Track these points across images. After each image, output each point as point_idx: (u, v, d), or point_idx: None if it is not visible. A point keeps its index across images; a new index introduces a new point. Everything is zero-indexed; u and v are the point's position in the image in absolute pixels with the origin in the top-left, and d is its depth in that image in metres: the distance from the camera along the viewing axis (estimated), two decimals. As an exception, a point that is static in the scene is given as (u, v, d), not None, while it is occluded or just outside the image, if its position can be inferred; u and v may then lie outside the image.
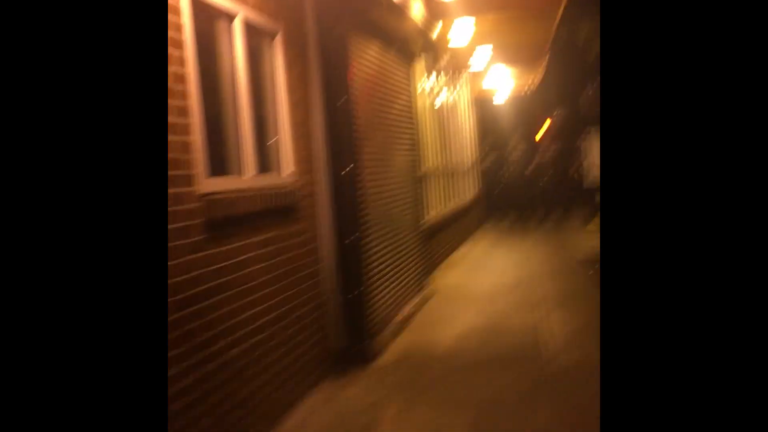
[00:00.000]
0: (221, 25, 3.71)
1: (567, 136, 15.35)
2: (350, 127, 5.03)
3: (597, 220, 13.59)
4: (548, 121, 17.86)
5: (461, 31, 8.27)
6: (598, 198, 13.92)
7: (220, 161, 3.64)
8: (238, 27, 3.79)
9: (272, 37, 4.30)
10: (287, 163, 4.40)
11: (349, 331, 5.00)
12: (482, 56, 10.45)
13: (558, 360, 4.94)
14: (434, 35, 7.83)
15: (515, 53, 11.37)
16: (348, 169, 5.01)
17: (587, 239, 12.14)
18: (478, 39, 9.36)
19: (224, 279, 3.43)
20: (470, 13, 7.99)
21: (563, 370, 4.70)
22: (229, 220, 3.50)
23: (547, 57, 12.89)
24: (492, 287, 7.81)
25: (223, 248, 3.45)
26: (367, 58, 5.69)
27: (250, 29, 3.97)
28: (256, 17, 4.00)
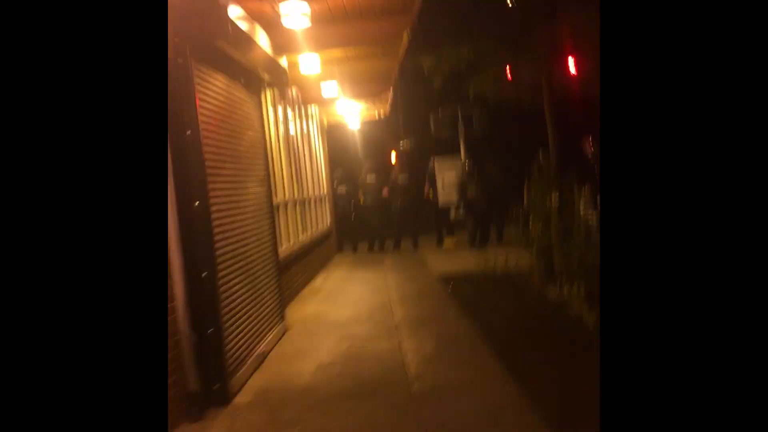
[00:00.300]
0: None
1: (417, 161, 15.85)
2: (199, 160, 4.87)
3: (452, 238, 14.14)
4: (401, 145, 18.37)
5: (308, 65, 8.37)
6: (452, 215, 14.53)
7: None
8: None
9: (110, 67, 4.09)
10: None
11: (205, 372, 4.78)
12: (329, 89, 10.60)
13: (419, 383, 5.01)
14: (282, 68, 7.83)
15: (363, 85, 11.63)
16: (198, 202, 4.84)
17: (444, 257, 12.57)
18: (325, 72, 9.50)
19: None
20: (315, 48, 8.11)
21: (425, 394, 4.78)
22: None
23: (394, 87, 13.30)
24: (350, 315, 7.83)
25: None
26: (214, 90, 5.56)
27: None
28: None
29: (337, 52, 8.91)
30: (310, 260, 10.95)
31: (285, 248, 8.78)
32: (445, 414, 4.35)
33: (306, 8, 6.15)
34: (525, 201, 8.58)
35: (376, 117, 16.85)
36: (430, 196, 14.77)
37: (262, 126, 7.28)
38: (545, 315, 6.89)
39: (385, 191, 14.77)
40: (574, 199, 7.34)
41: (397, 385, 5.03)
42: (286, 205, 9.43)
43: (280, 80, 7.58)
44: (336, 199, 15.02)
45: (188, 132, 4.80)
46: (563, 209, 7.53)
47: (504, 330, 6.44)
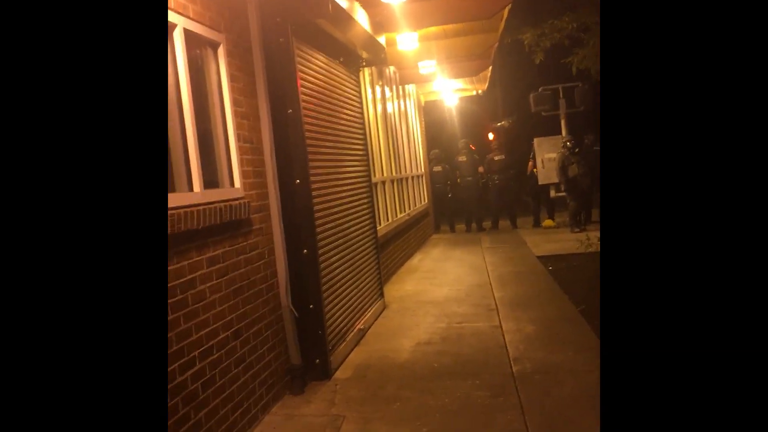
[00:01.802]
0: (161, 36, 3.59)
1: (515, 139, 15.56)
2: (300, 138, 4.94)
3: (551, 219, 13.83)
4: (499, 124, 18.08)
5: (406, 42, 8.33)
6: (552, 193, 14.20)
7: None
8: (178, 37, 3.67)
9: (215, 47, 4.19)
10: (236, 177, 4.28)
11: (306, 347, 4.89)
12: (427, 67, 10.53)
13: (519, 364, 4.93)
14: (380, 45, 7.82)
15: (460, 62, 11.47)
16: (299, 180, 4.92)
17: (544, 237, 12.31)
18: (423, 50, 9.42)
19: (174, 299, 3.30)
20: (413, 26, 8.05)
21: (526, 375, 4.69)
22: (178, 237, 3.37)
23: (492, 65, 13.04)
24: (448, 294, 7.79)
25: (172, 267, 3.32)
26: (315, 68, 5.62)
27: (191, 39, 3.85)
28: (197, 27, 3.89)
29: (435, 29, 8.81)
30: (407, 239, 10.98)
31: (383, 226, 8.82)
32: (545, 396, 4.25)
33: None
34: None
35: (474, 94, 16.63)
36: (534, 172, 14.46)
37: (361, 104, 7.31)
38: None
39: (480, 170, 14.60)
40: None
41: (497, 366, 4.96)
42: (384, 183, 9.46)
43: (379, 58, 7.57)
44: (433, 178, 14.97)
45: (290, 110, 4.87)
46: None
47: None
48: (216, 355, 3.70)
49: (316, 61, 5.70)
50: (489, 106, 19.74)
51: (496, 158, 14.65)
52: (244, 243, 4.24)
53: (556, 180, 13.53)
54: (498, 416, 4.03)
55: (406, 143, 11.88)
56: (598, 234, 9.85)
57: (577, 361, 4.85)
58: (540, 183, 14.35)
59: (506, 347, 5.39)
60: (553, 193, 14.30)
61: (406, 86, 12.43)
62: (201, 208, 3.60)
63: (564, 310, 6.47)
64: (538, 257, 9.96)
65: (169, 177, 3.57)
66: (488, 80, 14.82)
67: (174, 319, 3.28)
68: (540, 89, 15.01)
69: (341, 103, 6.43)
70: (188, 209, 3.46)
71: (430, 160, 15.06)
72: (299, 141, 4.93)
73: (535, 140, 14.70)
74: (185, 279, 3.44)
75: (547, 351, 5.20)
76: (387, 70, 10.10)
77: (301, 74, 5.12)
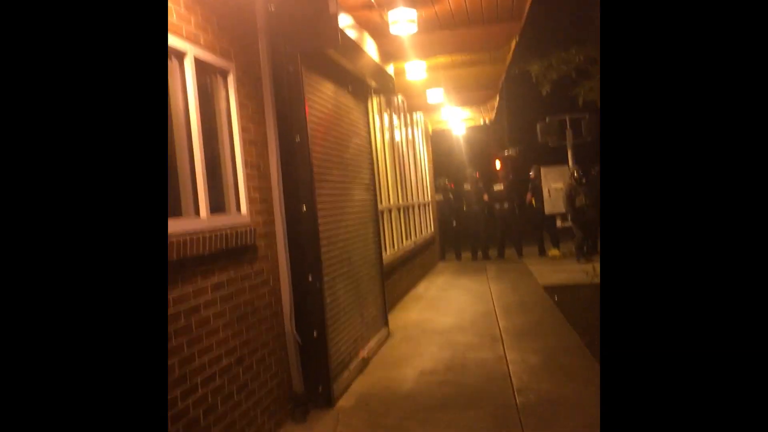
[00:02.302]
0: (171, 63, 3.64)
1: (522, 168, 15.60)
2: (307, 165, 4.97)
3: (557, 248, 13.80)
4: (505, 153, 18.14)
5: (414, 71, 8.42)
6: (558, 224, 14.19)
7: (172, 203, 3.53)
8: (189, 65, 3.72)
9: (225, 75, 4.25)
10: (243, 202, 4.31)
11: (309, 374, 4.87)
12: (435, 96, 10.62)
13: (523, 395, 4.89)
14: (388, 75, 7.91)
15: (468, 91, 11.55)
16: (305, 207, 4.94)
17: (550, 267, 12.27)
18: (431, 79, 9.51)
19: (177, 326, 3.30)
20: (422, 56, 8.14)
21: (530, 406, 4.65)
22: (183, 263, 3.38)
23: (500, 93, 13.13)
24: (453, 323, 7.75)
25: (177, 293, 3.32)
26: (323, 97, 5.67)
27: (202, 67, 3.90)
28: (207, 55, 3.94)
29: (443, 59, 8.90)
30: (413, 267, 10.96)
31: (389, 254, 8.82)
32: (549, 429, 4.22)
33: (413, 14, 6.16)
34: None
35: (481, 123, 16.71)
36: (533, 203, 14.49)
37: (368, 133, 7.36)
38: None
39: (484, 197, 14.65)
40: None
41: (501, 397, 4.92)
42: (390, 211, 9.48)
43: (387, 87, 7.64)
44: (439, 207, 15.00)
45: (297, 138, 4.91)
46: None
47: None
48: (219, 382, 3.69)
49: (325, 90, 5.76)
50: (496, 135, 19.82)
51: (495, 188, 14.72)
52: (249, 269, 4.25)
53: (562, 210, 13.53)
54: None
55: (413, 171, 11.92)
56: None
57: (581, 394, 4.81)
58: (546, 213, 14.37)
59: (510, 378, 5.35)
60: (559, 223, 14.29)
61: (414, 114, 12.51)
62: (207, 234, 3.62)
63: (569, 341, 6.43)
64: (544, 287, 9.93)
65: (176, 202, 3.59)
66: (495, 110, 14.91)
67: (177, 345, 3.28)
68: (547, 119, 15.09)
69: (349, 131, 6.47)
70: (194, 235, 3.48)
71: (437, 187, 15.11)
72: (306, 168, 4.96)
73: (541, 169, 14.75)
74: (190, 305, 3.44)
75: (551, 382, 5.16)
76: (395, 99, 10.17)
77: (310, 102, 5.17)
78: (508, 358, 5.95)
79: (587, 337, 6.47)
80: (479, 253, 14.76)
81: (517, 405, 4.71)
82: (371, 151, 7.42)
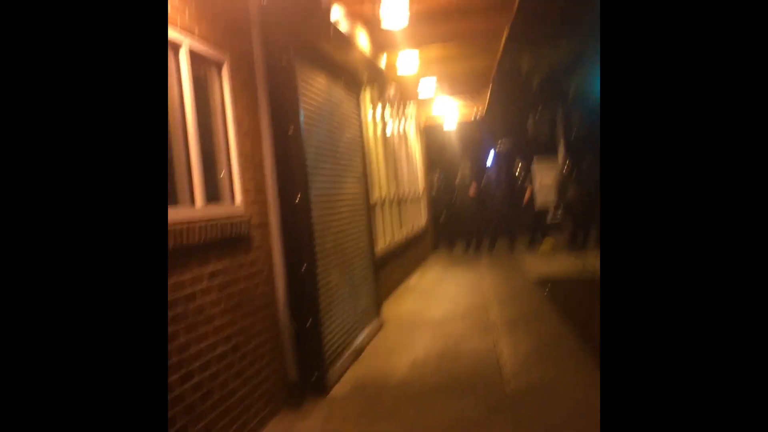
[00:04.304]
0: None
1: (514, 162, 15.67)
2: (300, 156, 5.02)
3: (549, 241, 13.89)
4: (496, 146, 18.20)
5: (406, 62, 8.45)
6: (547, 219, 14.28)
7: (169, 191, 3.58)
8: (183, 57, 3.76)
9: (219, 67, 4.29)
10: (237, 193, 4.36)
11: (304, 362, 4.93)
12: (428, 87, 10.66)
13: (514, 382, 4.97)
14: (380, 66, 7.95)
15: (460, 84, 11.61)
16: (299, 198, 4.99)
17: (541, 259, 12.36)
18: (424, 70, 9.54)
19: (174, 312, 3.36)
20: (414, 46, 8.17)
21: (520, 394, 4.73)
22: (179, 251, 3.43)
23: (491, 86, 13.19)
24: (445, 314, 7.84)
25: (173, 280, 3.38)
26: (316, 88, 5.72)
27: (196, 59, 3.95)
28: (202, 47, 3.99)
29: (435, 50, 8.93)
30: (405, 258, 11.03)
31: (381, 246, 8.88)
32: (540, 415, 4.29)
33: (405, 6, 6.21)
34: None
35: (473, 117, 16.77)
36: (526, 199, 14.59)
37: (361, 125, 7.41)
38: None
39: (472, 190, 14.72)
40: None
41: (492, 384, 5.00)
42: (383, 203, 9.54)
43: (379, 80, 7.69)
44: (433, 199, 15.07)
45: (291, 129, 4.96)
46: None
47: (596, 331, 6.29)
48: (214, 369, 3.74)
49: (317, 82, 5.81)
50: (488, 129, 19.88)
51: (496, 177, 14.82)
52: (244, 259, 4.30)
53: (553, 203, 13.63)
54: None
55: (406, 163, 11.98)
56: (595, 257, 9.92)
57: (571, 381, 4.89)
58: (537, 206, 14.47)
59: (502, 366, 5.43)
60: (550, 217, 14.39)
61: (407, 107, 12.55)
62: (203, 223, 3.67)
63: (559, 332, 6.51)
64: (535, 279, 10.01)
65: (172, 190, 3.64)
66: (487, 102, 14.97)
67: (174, 331, 3.34)
68: (538, 111, 15.18)
69: (341, 123, 6.53)
70: (190, 224, 3.53)
71: (430, 180, 15.19)
72: (299, 159, 5.02)
73: (534, 164, 14.85)
74: (186, 293, 3.49)
75: (542, 371, 5.24)
76: (388, 90, 10.21)
77: (302, 94, 5.22)
78: (499, 348, 6.03)
79: (577, 327, 6.56)
80: (472, 246, 14.85)
81: (507, 392, 4.79)
82: (363, 143, 7.47)
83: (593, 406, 4.25)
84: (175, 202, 3.64)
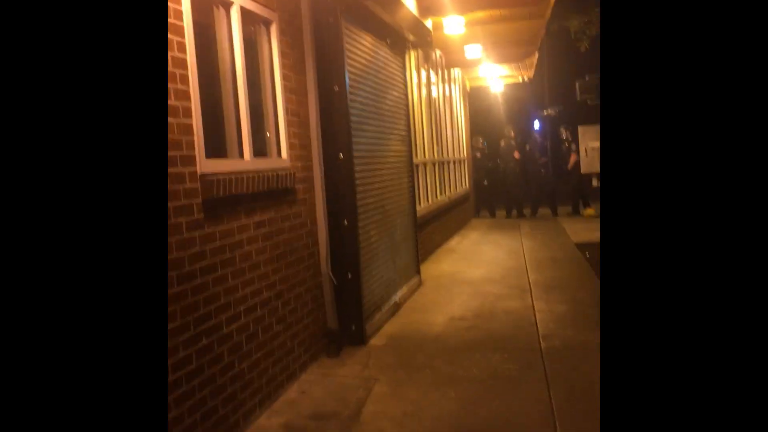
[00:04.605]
0: (219, 12, 3.84)
1: (559, 127, 15.54)
2: (344, 114, 5.15)
3: (593, 207, 13.82)
4: (542, 111, 18.02)
5: (452, 25, 8.46)
6: (595, 183, 14.17)
7: (219, 144, 3.77)
8: (235, 14, 3.91)
9: (268, 25, 4.42)
10: (284, 148, 4.53)
11: (343, 313, 5.14)
12: (473, 52, 10.63)
13: (548, 341, 5.09)
14: (426, 29, 7.97)
15: (506, 49, 11.53)
16: (342, 155, 5.14)
17: (584, 226, 12.34)
18: (469, 34, 9.53)
19: (223, 257, 3.56)
20: (460, 11, 8.17)
21: (554, 351, 4.86)
22: (228, 200, 3.62)
23: (539, 51, 13.05)
24: (483, 275, 7.96)
25: (222, 227, 3.57)
26: (361, 48, 5.81)
27: (247, 16, 4.09)
28: (252, 5, 4.12)
29: (481, 14, 8.91)
30: (446, 221, 11.14)
31: (423, 207, 9.01)
32: (571, 371, 4.41)
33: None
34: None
35: (520, 81, 16.63)
36: (571, 163, 14.48)
37: (405, 87, 7.49)
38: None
39: (516, 154, 14.67)
40: None
41: (526, 342, 5.13)
42: (425, 165, 9.64)
43: (425, 41, 7.73)
44: (475, 164, 15.08)
45: (336, 87, 5.09)
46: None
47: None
48: (259, 313, 3.96)
49: (363, 42, 5.90)
50: (535, 93, 19.66)
51: (541, 142, 14.73)
52: (289, 211, 4.49)
53: (598, 169, 13.50)
54: (524, 387, 4.20)
55: (450, 127, 12.01)
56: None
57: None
58: (582, 172, 14.37)
59: (537, 325, 5.55)
60: (595, 183, 14.27)
61: (452, 71, 12.53)
62: (251, 174, 3.85)
63: (596, 295, 6.58)
64: (576, 244, 10.04)
65: (222, 144, 3.83)
66: (534, 67, 14.82)
67: (222, 275, 3.54)
68: (586, 77, 14.96)
69: (386, 84, 6.62)
70: (239, 175, 3.71)
71: (473, 144, 15.18)
72: (344, 117, 5.15)
73: (580, 128, 14.69)
74: (234, 240, 3.69)
75: (576, 330, 5.34)
76: (433, 54, 10.23)
77: (348, 53, 5.33)
78: (535, 308, 6.15)
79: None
80: (513, 211, 14.85)
81: (541, 349, 4.92)
82: (408, 104, 7.55)
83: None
84: (225, 155, 3.82)
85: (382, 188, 6.20)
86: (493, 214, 15.23)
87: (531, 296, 6.64)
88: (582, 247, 9.73)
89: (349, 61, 5.31)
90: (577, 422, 3.63)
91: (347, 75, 5.21)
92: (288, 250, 4.44)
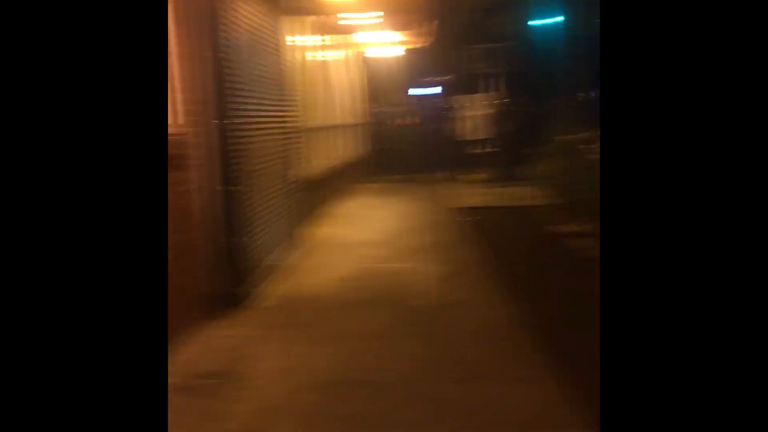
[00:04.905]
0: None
1: (451, 95, 16.01)
2: (226, 80, 5.19)
3: (477, 173, 14.40)
4: (435, 79, 18.40)
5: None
6: (477, 149, 14.81)
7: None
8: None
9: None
10: (179, 114, 4.59)
11: (231, 276, 5.29)
12: (369, 19, 10.71)
13: (426, 298, 5.49)
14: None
15: (402, 16, 11.63)
16: (225, 121, 5.19)
17: (473, 188, 12.88)
18: (363, 2, 9.59)
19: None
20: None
21: (429, 307, 5.26)
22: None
23: (437, 21, 13.28)
24: (372, 238, 8.27)
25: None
26: (241, 13, 5.78)
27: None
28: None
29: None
30: (338, 185, 11.34)
31: (314, 171, 9.16)
32: (447, 328, 4.79)
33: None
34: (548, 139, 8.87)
35: (417, 48, 16.84)
36: (459, 130, 15.07)
37: (293, 52, 7.52)
38: (550, 246, 7.37)
39: (408, 120, 15.11)
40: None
41: (410, 299, 5.50)
42: (318, 129, 9.76)
43: (313, 9, 7.77)
44: (372, 129, 15.34)
45: (209, 53, 5.06)
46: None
47: (511, 257, 6.96)
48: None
49: (239, 7, 5.83)
50: (431, 61, 19.97)
51: (436, 109, 15.19)
52: (179, 176, 4.58)
53: (482, 136, 14.12)
54: (403, 342, 4.53)
55: (343, 92, 12.12)
56: (524, 188, 10.54)
57: (480, 299, 5.41)
58: (467, 138, 14.95)
59: (418, 285, 5.92)
60: (479, 149, 14.90)
61: (347, 37, 12.59)
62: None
63: (477, 256, 7.01)
64: (464, 208, 10.47)
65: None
66: (430, 36, 15.05)
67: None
68: (479, 46, 15.49)
69: (265, 49, 6.58)
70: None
71: (371, 110, 15.41)
72: (226, 83, 5.19)
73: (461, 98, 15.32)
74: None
75: (455, 289, 5.74)
76: (325, 18, 10.25)
77: (225, 19, 5.29)
78: (418, 269, 6.51)
79: (494, 251, 7.09)
80: (406, 176, 15.22)
81: (421, 307, 5.29)
82: (293, 70, 7.61)
83: (495, 321, 4.81)
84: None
85: (266, 153, 6.29)
86: (387, 179, 15.54)
87: (414, 258, 7.00)
88: (469, 210, 10.18)
89: (225, 27, 5.26)
90: (446, 376, 3.95)
91: (225, 40, 5.21)
92: (179, 215, 4.54)
